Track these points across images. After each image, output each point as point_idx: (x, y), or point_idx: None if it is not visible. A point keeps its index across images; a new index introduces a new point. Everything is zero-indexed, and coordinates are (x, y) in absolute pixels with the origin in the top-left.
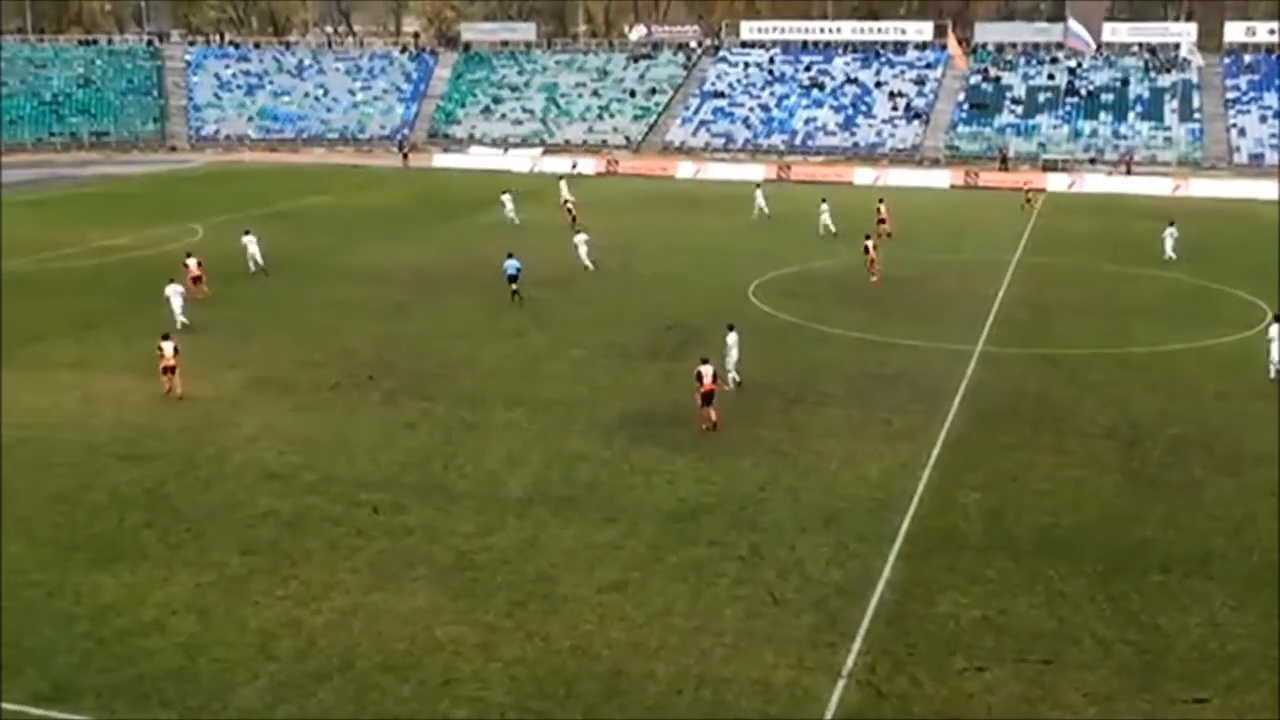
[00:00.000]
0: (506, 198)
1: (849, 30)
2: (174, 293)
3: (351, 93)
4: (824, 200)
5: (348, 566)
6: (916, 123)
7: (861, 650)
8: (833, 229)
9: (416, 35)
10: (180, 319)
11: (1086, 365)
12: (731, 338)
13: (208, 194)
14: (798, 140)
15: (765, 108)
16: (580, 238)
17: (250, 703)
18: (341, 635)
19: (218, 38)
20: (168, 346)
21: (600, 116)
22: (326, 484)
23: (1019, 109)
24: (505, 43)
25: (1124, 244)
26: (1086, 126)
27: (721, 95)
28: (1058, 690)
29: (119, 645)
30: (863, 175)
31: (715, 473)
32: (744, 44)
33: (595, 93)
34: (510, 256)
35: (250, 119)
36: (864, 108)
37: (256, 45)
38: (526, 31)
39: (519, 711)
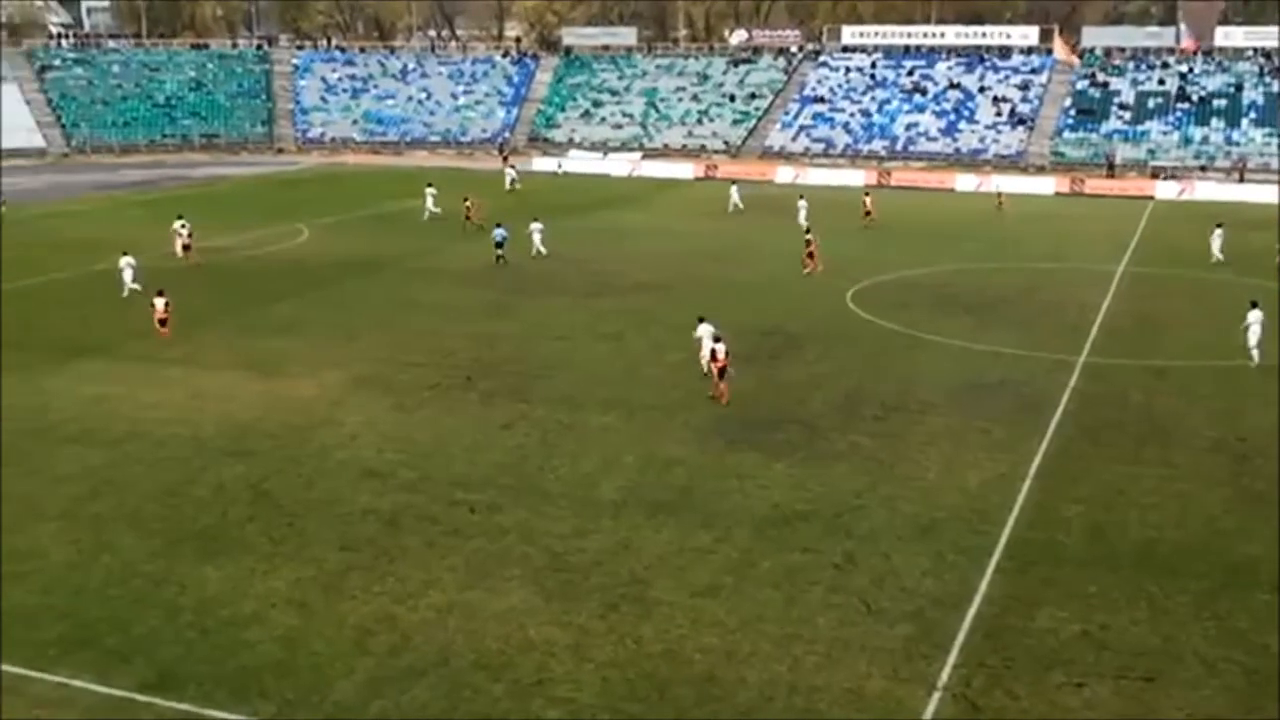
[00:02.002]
0: (429, 191)
1: (952, 35)
2: (126, 265)
3: (454, 96)
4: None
5: (444, 565)
6: (1021, 128)
7: (957, 663)
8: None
9: (518, 39)
10: (130, 286)
11: (1194, 377)
12: (702, 329)
13: (312, 195)
14: (899, 146)
15: (866, 113)
16: (535, 225)
17: (346, 697)
18: (436, 632)
19: (324, 42)
20: (159, 302)
21: (699, 121)
22: (424, 483)
23: (1127, 115)
24: (606, 47)
25: (1235, 254)
26: (1198, 133)
27: (822, 100)
28: (1159, 709)
29: (221, 636)
30: (965, 181)
31: (811, 479)
32: (845, 48)
33: (695, 97)
34: (499, 226)
35: (355, 122)
36: (967, 113)
37: (362, 49)
38: (627, 36)
39: (611, 714)
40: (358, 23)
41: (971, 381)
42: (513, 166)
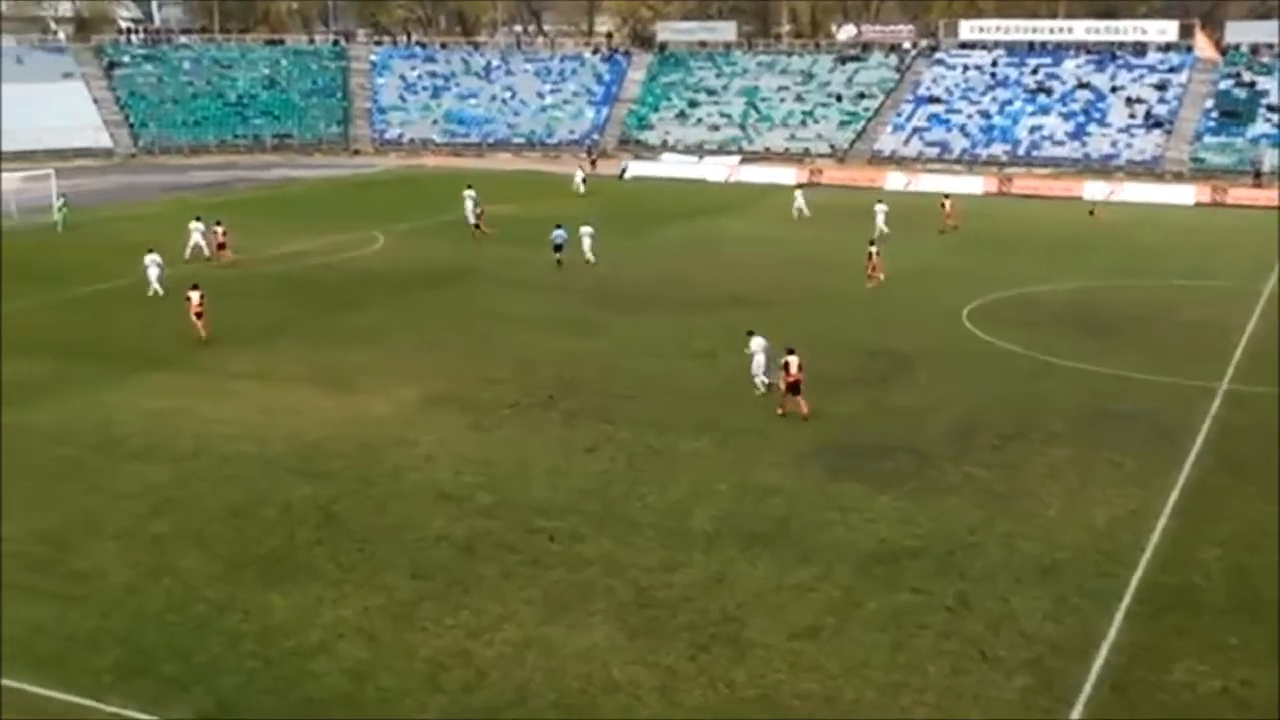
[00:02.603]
0: (469, 193)
1: (1082, 30)
2: (151, 262)
3: (540, 95)
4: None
5: (522, 597)
6: (1157, 132)
7: (1082, 718)
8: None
9: (610, 35)
10: (155, 288)
11: None
12: (755, 343)
13: (389, 199)
14: (1021, 150)
15: (985, 114)
16: (585, 230)
17: None
18: (513, 669)
19: (404, 37)
20: (194, 295)
21: (803, 123)
22: (502, 508)
23: (1276, 117)
24: (703, 43)
25: None
26: None
27: (937, 100)
28: None
29: (285, 666)
30: (1094, 189)
31: (921, 512)
32: (963, 45)
33: (799, 97)
34: (558, 227)
35: (435, 122)
36: (1097, 115)
37: (443, 45)
38: (726, 31)
39: None
40: (439, 17)
41: (1100, 409)
42: (581, 168)
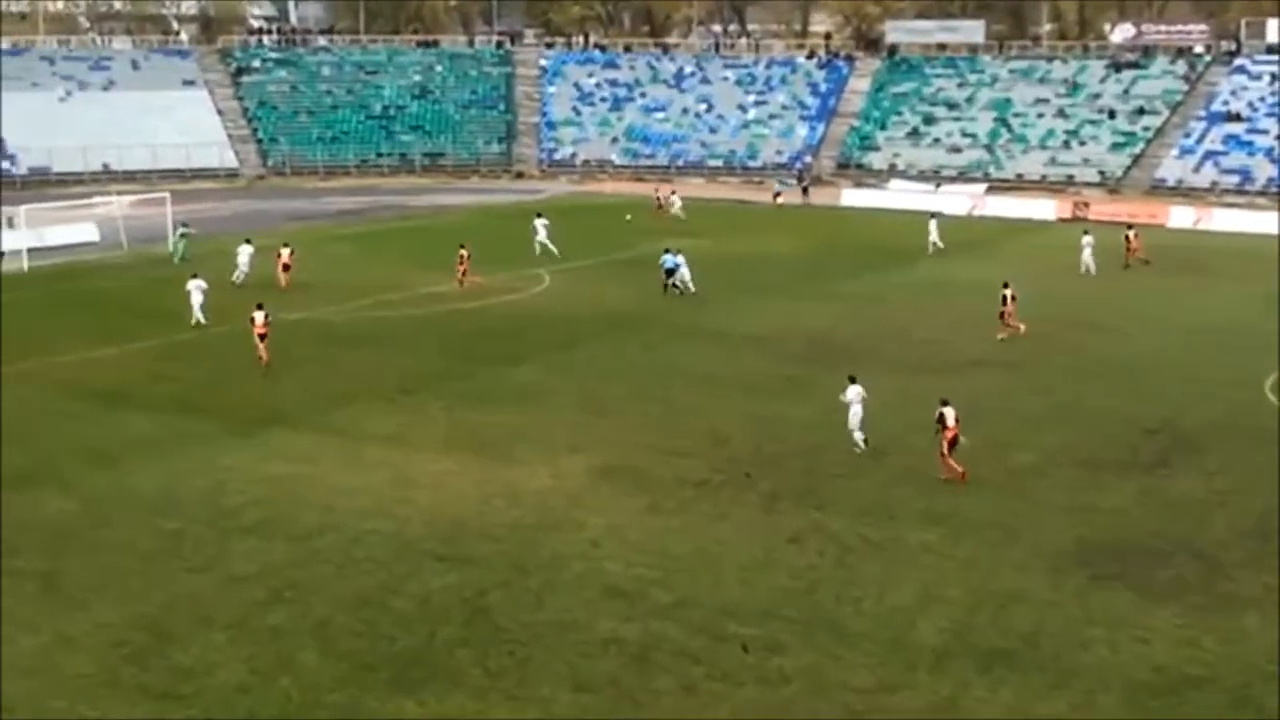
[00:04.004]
0: (540, 223)
1: None
2: (195, 288)
3: (742, 109)
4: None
5: (706, 717)
6: None
7: None
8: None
9: (828, 36)
10: (198, 316)
11: None
12: (852, 392)
13: (557, 232)
14: None
15: None
16: (681, 259)
17: None
18: None
19: (580, 39)
20: (259, 315)
21: (1066, 144)
22: (684, 609)
23: None
24: (943, 46)
25: None
26: None
27: (1237, 118)
28: None
29: None
30: None
31: (1208, 632)
32: (1270, 49)
33: (1061, 113)
34: (668, 251)
35: (614, 140)
36: None
37: (627, 48)
38: (972, 32)
39: None
40: (623, 16)
41: None
42: (673, 191)
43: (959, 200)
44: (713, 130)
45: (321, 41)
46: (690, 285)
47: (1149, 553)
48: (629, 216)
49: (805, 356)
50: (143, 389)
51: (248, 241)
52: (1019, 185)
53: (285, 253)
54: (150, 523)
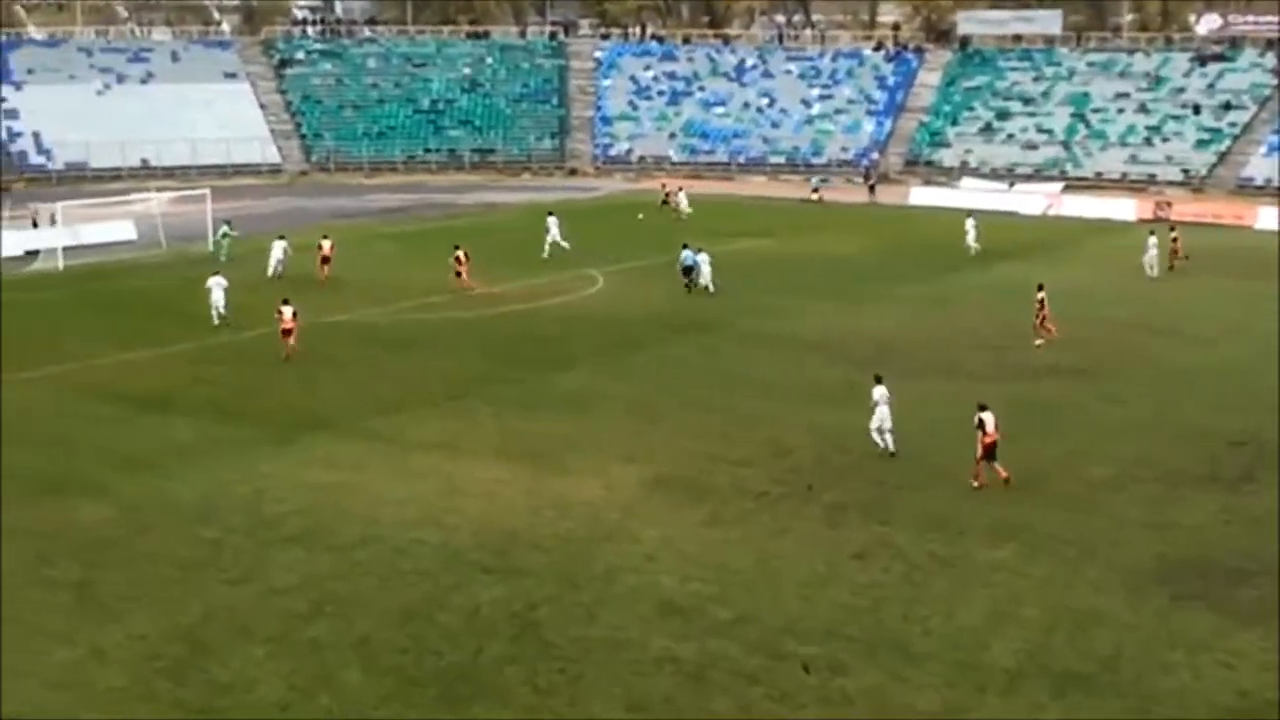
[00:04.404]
0: (552, 221)
1: None
2: (215, 285)
3: (805, 103)
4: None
5: None
6: None
7: None
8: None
9: (896, 27)
10: (219, 313)
11: None
12: (878, 392)
13: (612, 232)
14: None
15: None
16: (703, 256)
17: None
18: None
19: (637, 30)
20: (287, 310)
21: (1148, 141)
22: (742, 626)
23: None
24: (1018, 37)
25: None
26: None
27: None
28: None
29: None
30: None
31: None
32: None
33: (1143, 108)
34: (686, 248)
35: (672, 135)
36: None
37: (686, 40)
38: (1049, 23)
39: None
40: (681, 7)
41: None
42: (680, 188)
43: (1034, 200)
44: (775, 126)
45: (367, 33)
46: (711, 283)
47: (1232, 572)
48: (640, 216)
49: (870, 362)
50: (181, 393)
51: (281, 238)
52: (1097, 184)
53: (326, 244)
54: (188, 531)
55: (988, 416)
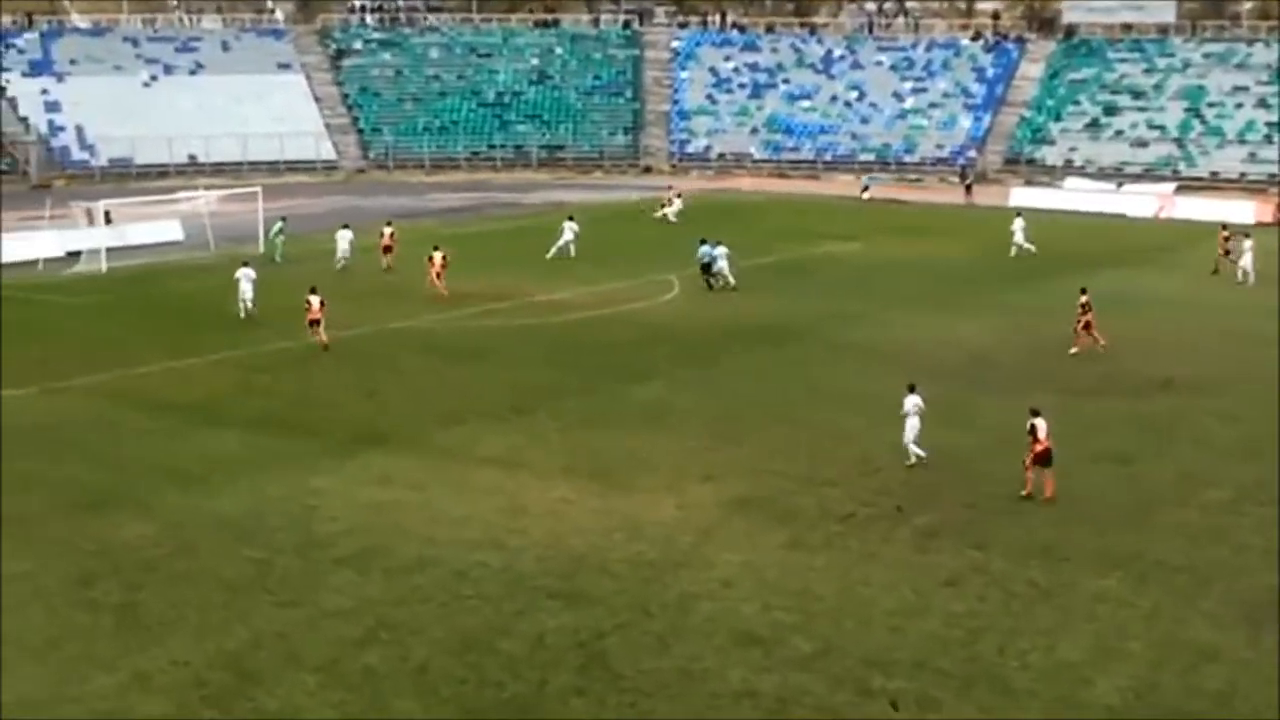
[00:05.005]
0: (568, 225)
1: None
2: (244, 277)
3: (898, 97)
4: None
5: None
6: None
7: None
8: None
9: (996, 16)
10: (246, 308)
11: None
12: (910, 402)
13: (689, 234)
14: None
15: None
16: (720, 250)
17: None
18: None
19: (717, 19)
20: (314, 300)
21: (1269, 138)
22: (826, 658)
23: None
24: (1128, 26)
25: None
26: None
27: None
28: None
29: None
30: None
31: None
32: None
33: (1263, 102)
34: (704, 243)
35: (754, 131)
36: None
37: (769, 29)
38: (1161, 11)
39: None
40: None
41: None
42: (679, 195)
43: (1145, 201)
44: (865, 121)
45: (429, 20)
46: (731, 279)
47: None
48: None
49: (966, 376)
50: (229, 403)
51: (345, 227)
52: (1213, 184)
53: (387, 232)
54: (235, 551)
55: (1040, 423)
